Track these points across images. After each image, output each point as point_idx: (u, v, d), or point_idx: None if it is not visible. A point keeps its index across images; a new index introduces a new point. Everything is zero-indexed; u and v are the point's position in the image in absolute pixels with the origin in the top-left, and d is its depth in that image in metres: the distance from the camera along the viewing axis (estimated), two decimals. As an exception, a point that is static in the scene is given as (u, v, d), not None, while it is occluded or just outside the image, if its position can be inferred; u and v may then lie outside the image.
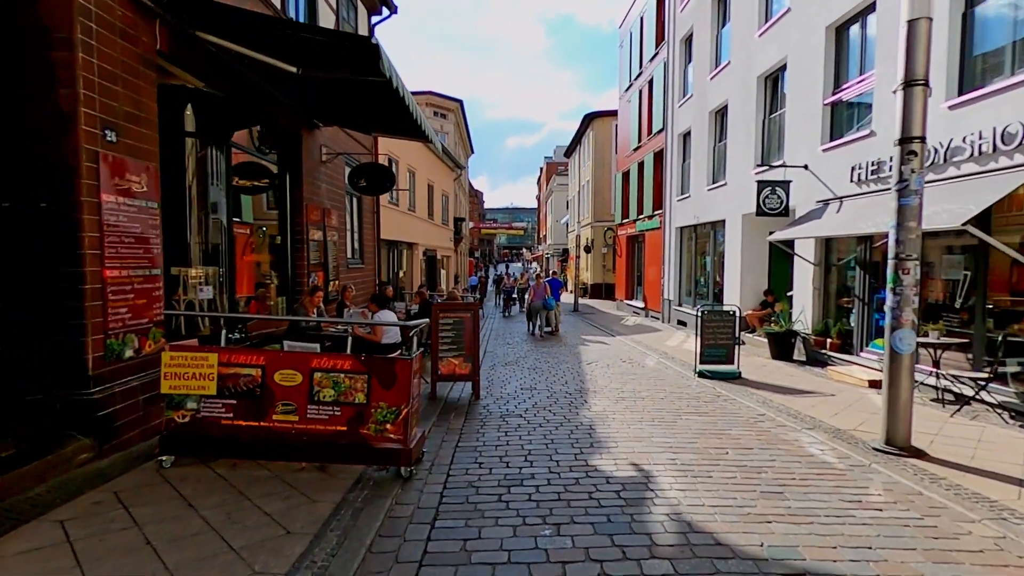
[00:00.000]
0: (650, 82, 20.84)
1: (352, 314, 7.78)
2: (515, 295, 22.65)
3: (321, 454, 4.40)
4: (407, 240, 16.76)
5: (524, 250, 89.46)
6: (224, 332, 4.72)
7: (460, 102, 33.04)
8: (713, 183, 14.67)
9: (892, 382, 5.27)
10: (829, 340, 9.58)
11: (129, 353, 4.76)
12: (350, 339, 5.07)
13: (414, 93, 30.82)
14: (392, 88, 5.11)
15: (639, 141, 22.28)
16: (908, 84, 5.12)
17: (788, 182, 10.39)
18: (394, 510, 3.90)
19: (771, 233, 10.51)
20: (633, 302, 23.14)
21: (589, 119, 34.23)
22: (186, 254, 6.53)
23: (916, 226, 5.15)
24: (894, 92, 5.30)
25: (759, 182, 10.56)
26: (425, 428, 5.75)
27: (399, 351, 6.87)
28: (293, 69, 5.38)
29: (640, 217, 22.17)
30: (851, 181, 8.93)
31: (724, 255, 13.94)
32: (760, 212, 10.43)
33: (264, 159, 8.26)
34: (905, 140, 5.13)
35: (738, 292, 13.01)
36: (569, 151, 43.33)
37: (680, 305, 17.40)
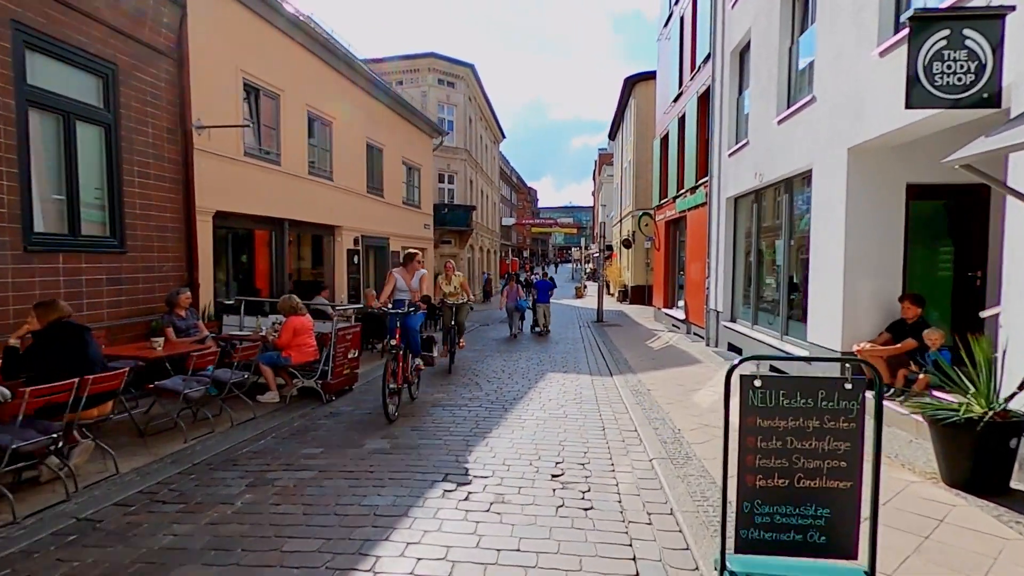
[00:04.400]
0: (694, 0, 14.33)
1: None
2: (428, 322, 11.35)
3: None
4: (309, 220, 11.12)
5: (572, 249, 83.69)
6: None
7: (471, 67, 27.25)
8: (788, 107, 8.20)
9: None
10: None
11: None
12: None
13: (415, 56, 24.82)
14: None
15: (680, 85, 15.73)
16: None
17: (1002, 14, 3.92)
18: None
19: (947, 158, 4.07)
20: (673, 312, 16.57)
21: (631, 84, 27.59)
22: None
23: None
24: None
25: (915, 19, 4.12)
26: None
27: None
28: None
29: (681, 192, 15.61)
30: None
31: (809, 233, 7.48)
32: (914, 100, 4.00)
33: None
34: None
35: (839, 304, 6.54)
36: (613, 131, 36.62)
37: (733, 320, 10.89)
